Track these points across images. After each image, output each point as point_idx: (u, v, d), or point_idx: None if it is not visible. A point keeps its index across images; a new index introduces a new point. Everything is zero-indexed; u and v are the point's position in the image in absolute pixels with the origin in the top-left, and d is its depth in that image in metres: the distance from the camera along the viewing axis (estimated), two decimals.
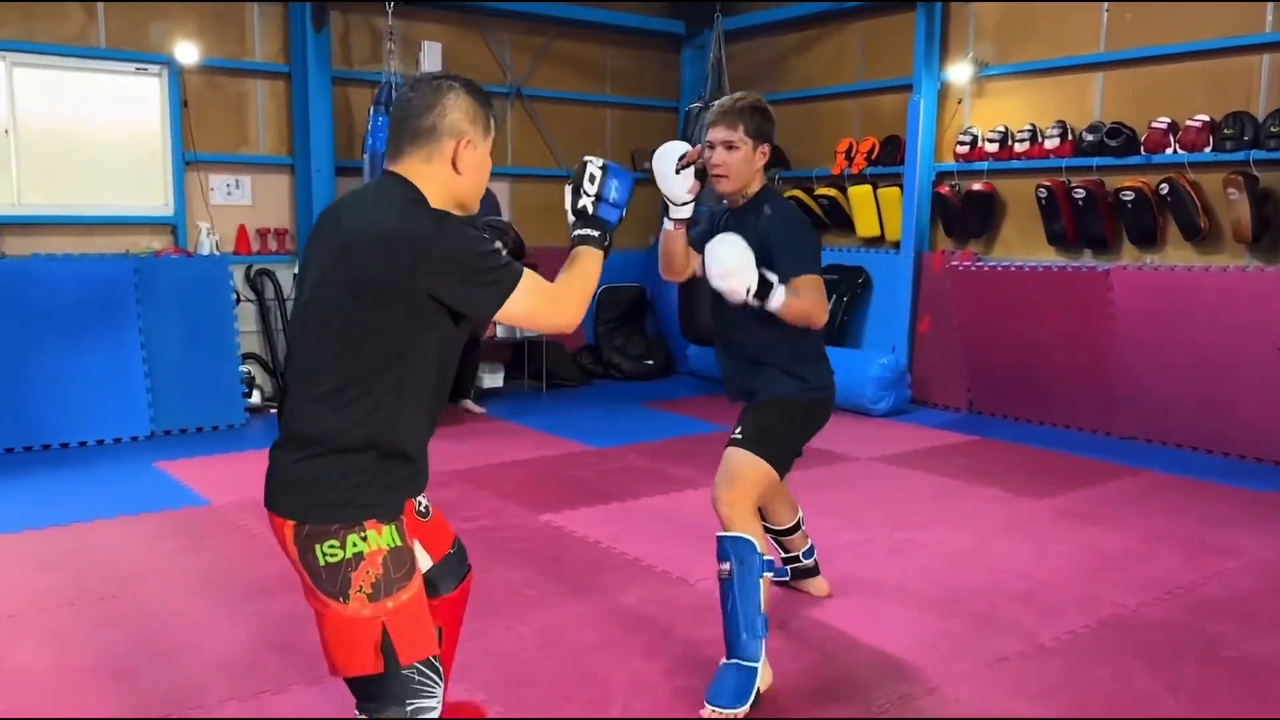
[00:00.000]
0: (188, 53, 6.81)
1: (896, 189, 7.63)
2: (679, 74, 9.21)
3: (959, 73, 7.24)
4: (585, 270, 2.18)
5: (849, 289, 7.82)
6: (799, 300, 2.97)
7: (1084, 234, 6.64)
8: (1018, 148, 6.93)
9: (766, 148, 3.14)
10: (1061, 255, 6.89)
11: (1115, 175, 6.47)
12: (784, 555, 3.72)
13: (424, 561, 2.28)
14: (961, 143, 7.25)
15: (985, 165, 7.13)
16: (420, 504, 2.35)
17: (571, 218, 2.26)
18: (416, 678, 2.01)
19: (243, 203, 7.34)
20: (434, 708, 2.03)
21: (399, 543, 2.02)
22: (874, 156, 7.86)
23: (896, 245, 7.67)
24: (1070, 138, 6.66)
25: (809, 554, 3.74)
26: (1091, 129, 6.53)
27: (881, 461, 5.86)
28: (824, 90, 8.36)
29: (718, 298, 3.10)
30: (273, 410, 7.16)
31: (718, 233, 3.11)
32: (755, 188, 3.17)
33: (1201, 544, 4.37)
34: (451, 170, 2.05)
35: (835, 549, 4.22)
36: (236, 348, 6.69)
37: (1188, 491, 5.23)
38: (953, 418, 7.16)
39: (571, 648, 3.30)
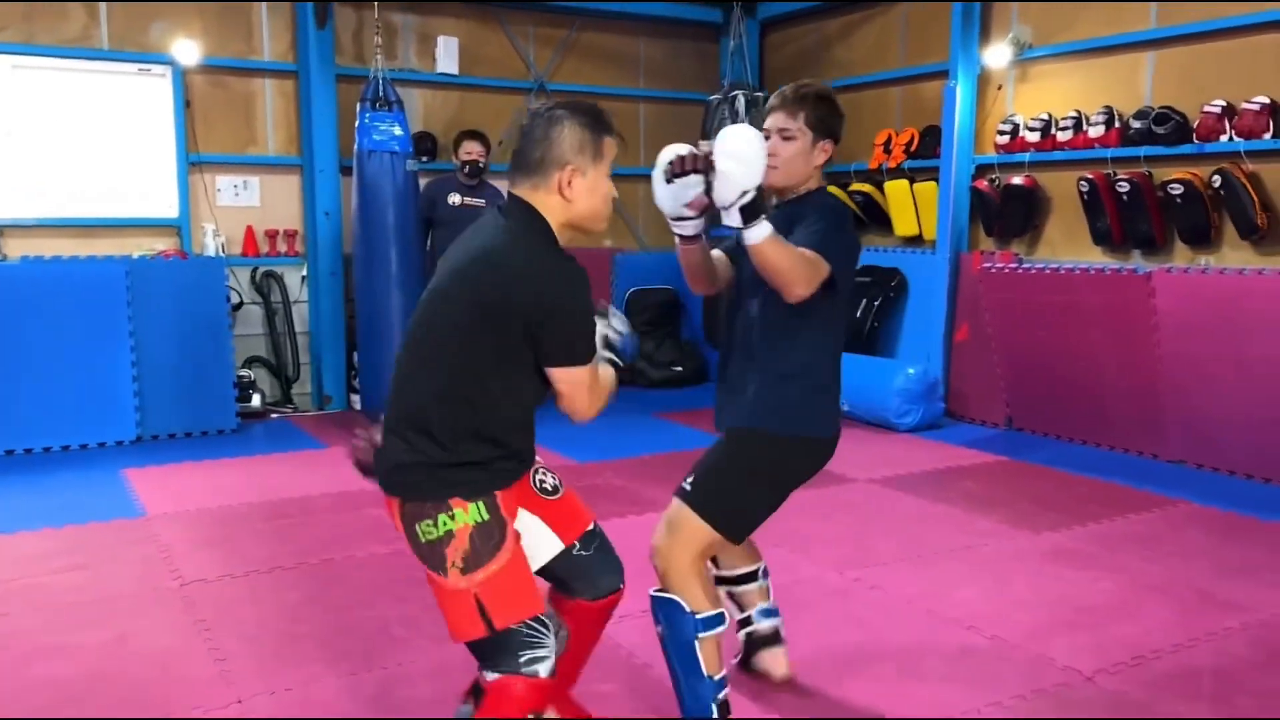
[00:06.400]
0: (189, 52, 6.72)
1: (934, 183, 7.01)
2: (718, 65, 8.74)
3: (997, 56, 6.58)
4: (611, 387, 2.30)
5: (881, 292, 7.22)
6: (785, 251, 2.43)
7: (1131, 232, 5.91)
8: (1060, 137, 6.23)
9: (829, 144, 2.73)
10: (1109, 256, 6.17)
11: (1166, 166, 5.73)
12: (738, 617, 3.03)
13: (552, 543, 2.41)
14: (1002, 132, 6.59)
15: (1026, 157, 6.45)
16: (546, 481, 2.47)
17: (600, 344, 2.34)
18: (524, 631, 2.16)
19: (251, 204, 7.22)
20: (546, 656, 2.18)
21: (485, 517, 2.16)
22: (913, 148, 7.25)
23: (935, 245, 7.04)
24: (1117, 125, 5.95)
25: (767, 614, 3.04)
26: (1139, 115, 5.81)
27: (881, 484, 5.31)
28: (864, 78, 7.77)
29: (741, 300, 2.76)
30: (274, 415, 7.06)
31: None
32: (810, 187, 2.75)
33: (1205, 597, 3.72)
34: (561, 198, 2.19)
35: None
36: (230, 351, 6.56)
37: (1221, 529, 4.53)
38: (987, 435, 6.51)
39: (402, 703, 2.94)
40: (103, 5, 6.62)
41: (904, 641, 3.36)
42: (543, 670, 2.17)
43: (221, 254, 6.93)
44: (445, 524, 2.14)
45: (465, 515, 2.14)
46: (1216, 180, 5.37)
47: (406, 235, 6.35)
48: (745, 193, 2.37)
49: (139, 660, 3.21)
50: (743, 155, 2.39)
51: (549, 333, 2.13)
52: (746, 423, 2.67)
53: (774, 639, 3.06)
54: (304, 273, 7.34)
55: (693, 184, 2.43)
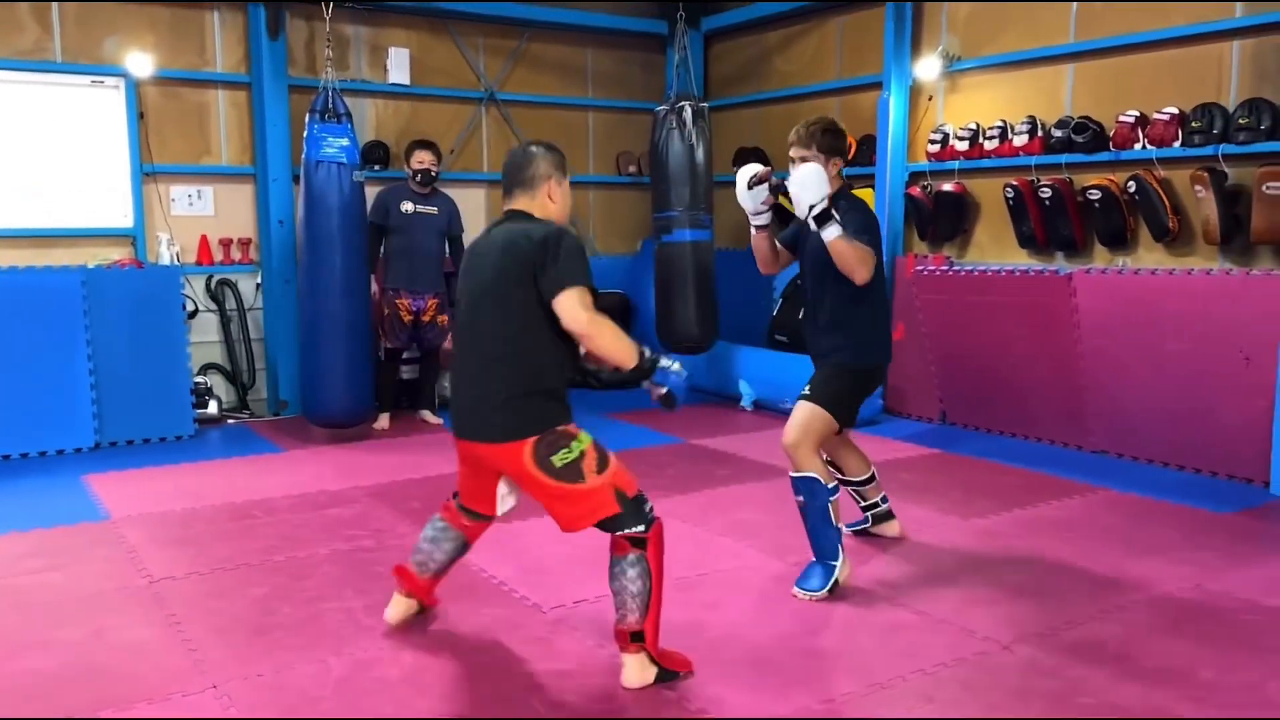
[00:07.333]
0: (141, 65, 6.82)
1: (871, 190, 7.31)
2: (664, 74, 9.00)
3: (927, 68, 6.90)
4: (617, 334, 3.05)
5: None
6: (851, 246, 3.63)
7: (1053, 236, 6.26)
8: (987, 145, 6.57)
9: (838, 160, 3.92)
10: (1033, 258, 6.52)
11: (1084, 173, 6.09)
12: (863, 504, 4.40)
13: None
14: (933, 141, 6.91)
15: (956, 165, 6.78)
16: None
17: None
18: (640, 495, 3.07)
19: (205, 213, 7.33)
20: (651, 506, 3.09)
21: (592, 439, 3.04)
22: (850, 156, 7.53)
23: None
24: (1040, 134, 6.29)
25: (885, 499, 4.40)
26: (1060, 124, 6.15)
27: None
28: (804, 89, 8.08)
29: (809, 278, 3.98)
30: (230, 421, 7.18)
31: (805, 229, 3.88)
32: (833, 190, 3.77)
33: (1114, 574, 4.02)
34: (549, 201, 3.17)
35: (704, 577, 4.00)
36: (187, 359, 6.67)
37: (1136, 513, 4.86)
38: (923, 430, 6.82)
39: (371, 684, 3.13)
40: (55, 16, 6.71)
41: (840, 619, 3.61)
42: (654, 513, 3.08)
43: (176, 263, 7.03)
44: (577, 447, 2.98)
45: (583, 440, 2.99)
46: (1131, 186, 5.72)
47: (351, 244, 6.46)
48: (812, 206, 3.59)
49: (116, 652, 3.36)
50: (803, 182, 3.60)
51: (550, 263, 2.92)
52: (839, 359, 3.92)
53: (890, 515, 4.44)
54: (258, 280, 7.46)
55: (762, 191, 3.81)
